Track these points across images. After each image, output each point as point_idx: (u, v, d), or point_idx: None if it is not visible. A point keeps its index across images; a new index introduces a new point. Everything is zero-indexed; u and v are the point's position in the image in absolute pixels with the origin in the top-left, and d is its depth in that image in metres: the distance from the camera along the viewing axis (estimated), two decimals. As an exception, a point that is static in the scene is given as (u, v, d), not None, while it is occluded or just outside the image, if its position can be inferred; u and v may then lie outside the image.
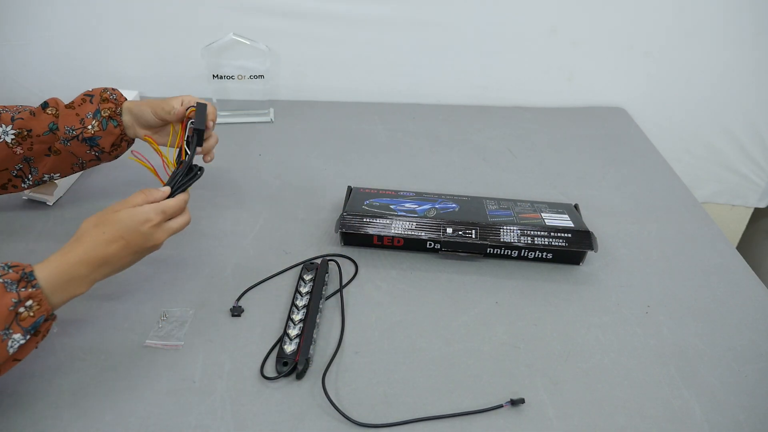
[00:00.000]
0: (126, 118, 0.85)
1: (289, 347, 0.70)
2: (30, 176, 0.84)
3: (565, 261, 0.87)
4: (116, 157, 0.88)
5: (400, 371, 0.70)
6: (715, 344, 0.76)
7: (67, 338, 0.71)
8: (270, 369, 0.69)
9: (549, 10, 1.24)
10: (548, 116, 1.32)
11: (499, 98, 1.36)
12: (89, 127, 0.82)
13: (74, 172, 0.87)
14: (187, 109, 0.81)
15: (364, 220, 0.86)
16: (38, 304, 0.59)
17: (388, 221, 0.86)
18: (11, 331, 0.57)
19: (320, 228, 0.92)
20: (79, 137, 0.82)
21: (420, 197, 0.93)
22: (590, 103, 1.37)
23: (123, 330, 0.73)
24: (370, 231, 0.86)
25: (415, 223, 0.86)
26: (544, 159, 1.16)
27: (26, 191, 0.93)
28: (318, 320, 0.75)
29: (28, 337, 0.58)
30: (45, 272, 0.60)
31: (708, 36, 1.27)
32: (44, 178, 0.85)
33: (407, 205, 0.91)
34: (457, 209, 0.90)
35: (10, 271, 0.59)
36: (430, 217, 0.87)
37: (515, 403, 0.66)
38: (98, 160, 0.86)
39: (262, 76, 1.20)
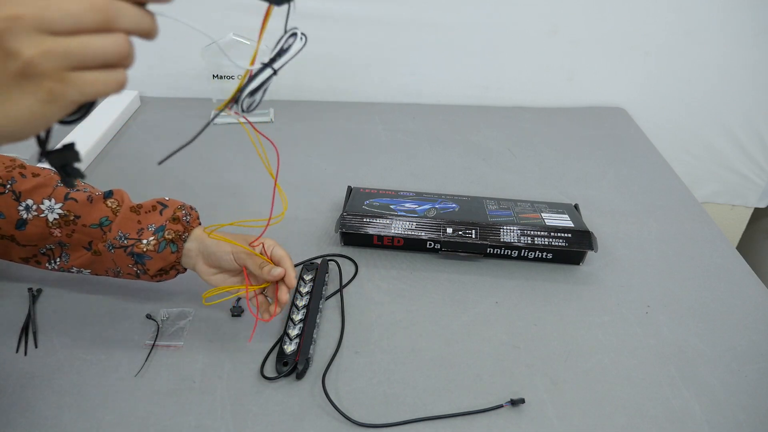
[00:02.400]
0: (191, 246, 0.71)
1: (289, 347, 0.70)
2: (58, 261, 0.72)
3: (565, 261, 0.87)
4: (157, 281, 0.74)
5: (400, 371, 0.70)
6: (715, 344, 0.76)
7: (67, 338, 0.71)
8: (270, 369, 0.69)
9: (549, 10, 1.25)
10: (548, 116, 1.32)
11: (499, 98, 1.36)
12: (144, 241, 0.69)
13: (107, 275, 0.74)
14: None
15: (364, 220, 0.86)
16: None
17: (388, 221, 0.86)
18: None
19: (320, 228, 0.92)
20: (127, 249, 0.69)
21: (420, 197, 0.93)
22: (590, 103, 1.37)
23: (123, 330, 0.73)
24: (370, 231, 0.86)
25: (415, 223, 0.86)
26: (544, 159, 1.16)
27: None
28: (318, 320, 0.75)
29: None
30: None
31: (708, 36, 1.27)
32: (72, 270, 0.73)
33: (407, 205, 0.91)
34: (457, 209, 0.90)
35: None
36: (430, 217, 0.87)
37: (515, 403, 0.66)
38: (137, 277, 0.73)
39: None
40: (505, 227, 0.86)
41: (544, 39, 1.28)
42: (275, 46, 0.51)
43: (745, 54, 1.28)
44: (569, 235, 0.85)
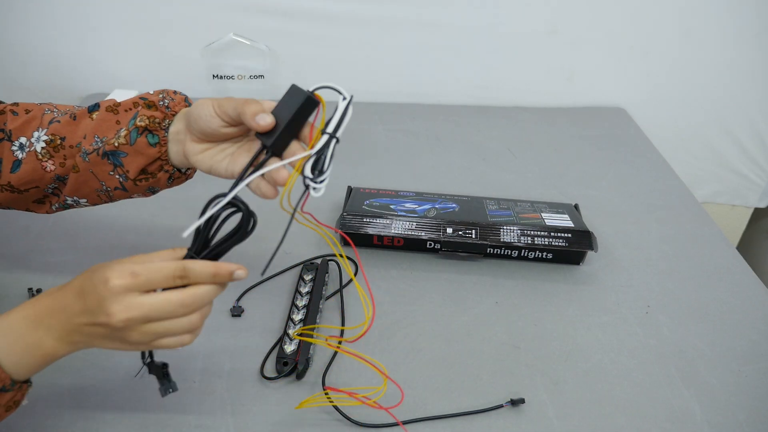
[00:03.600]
0: (175, 128, 0.60)
1: (289, 347, 0.70)
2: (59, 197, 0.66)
3: (565, 261, 0.87)
4: (148, 191, 0.64)
5: (400, 371, 0.70)
6: (715, 344, 0.76)
7: (67, 338, 0.71)
8: (270, 369, 0.69)
9: (549, 10, 1.24)
10: (548, 116, 1.32)
11: (499, 98, 1.36)
12: (115, 137, 0.60)
13: (102, 201, 0.66)
14: (310, 98, 0.53)
15: (364, 220, 0.86)
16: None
17: (388, 221, 0.86)
18: None
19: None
20: (100, 150, 0.60)
21: (420, 197, 0.93)
22: (590, 103, 1.37)
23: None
24: (370, 231, 0.86)
25: (415, 223, 0.86)
26: (544, 159, 1.16)
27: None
28: (318, 320, 0.75)
29: None
30: (4, 340, 0.47)
31: (708, 36, 1.27)
32: (68, 201, 0.66)
33: (407, 205, 0.91)
34: (457, 209, 0.90)
35: None
36: (430, 217, 0.87)
37: (515, 403, 0.66)
38: (124, 190, 0.63)
39: (262, 76, 1.20)
40: (505, 227, 0.86)
41: (544, 39, 1.28)
42: (334, 117, 0.55)
43: (745, 54, 1.28)
44: (569, 235, 0.85)
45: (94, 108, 0.64)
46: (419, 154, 1.15)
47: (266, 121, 0.54)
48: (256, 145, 0.58)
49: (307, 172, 0.52)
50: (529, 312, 0.79)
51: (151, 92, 0.63)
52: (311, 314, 0.74)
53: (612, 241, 0.92)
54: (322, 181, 0.53)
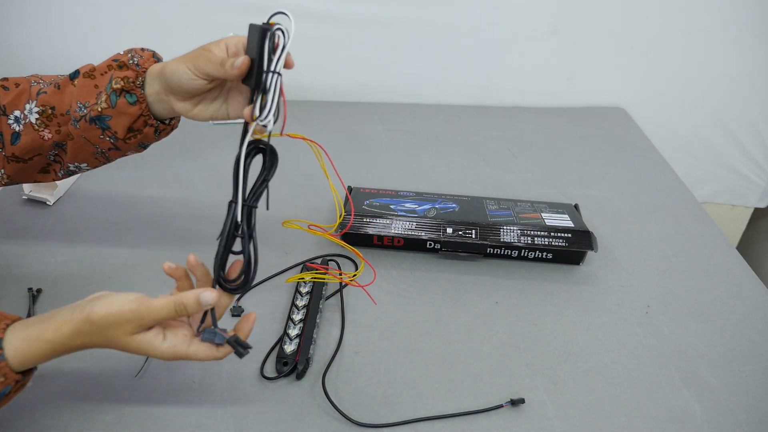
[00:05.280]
0: (153, 89, 0.63)
1: (289, 347, 0.70)
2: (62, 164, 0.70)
3: (565, 261, 0.87)
4: (139, 147, 0.68)
5: (400, 371, 0.70)
6: (715, 344, 0.76)
7: (67, 338, 0.71)
8: (270, 369, 0.69)
9: (549, 10, 1.24)
10: (548, 116, 1.32)
11: (499, 98, 1.36)
12: (97, 103, 0.63)
13: (101, 163, 0.71)
14: (264, 29, 0.53)
15: (364, 220, 0.86)
16: (3, 376, 0.51)
17: (388, 221, 0.86)
18: None
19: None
20: (87, 117, 0.64)
21: (420, 197, 0.93)
22: (590, 103, 1.37)
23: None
24: (370, 231, 0.86)
25: (415, 223, 0.86)
26: (544, 159, 1.16)
27: (26, 191, 0.93)
28: (318, 320, 0.75)
29: None
30: (16, 341, 0.52)
31: (708, 36, 1.27)
32: (71, 168, 0.70)
33: (407, 205, 0.91)
34: (457, 209, 0.90)
35: None
36: (430, 217, 0.87)
37: (515, 403, 0.66)
38: (118, 149, 0.67)
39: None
40: (505, 227, 0.86)
41: (543, 39, 1.28)
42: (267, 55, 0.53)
43: (745, 54, 1.28)
44: (569, 235, 0.85)
45: (74, 75, 0.67)
46: (419, 154, 1.15)
47: (240, 62, 0.56)
48: None
49: (256, 112, 0.53)
50: (529, 312, 0.79)
51: (122, 52, 0.66)
52: (311, 314, 0.74)
53: (612, 241, 0.92)
54: (266, 118, 0.54)
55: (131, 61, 0.64)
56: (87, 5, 1.19)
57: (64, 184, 0.96)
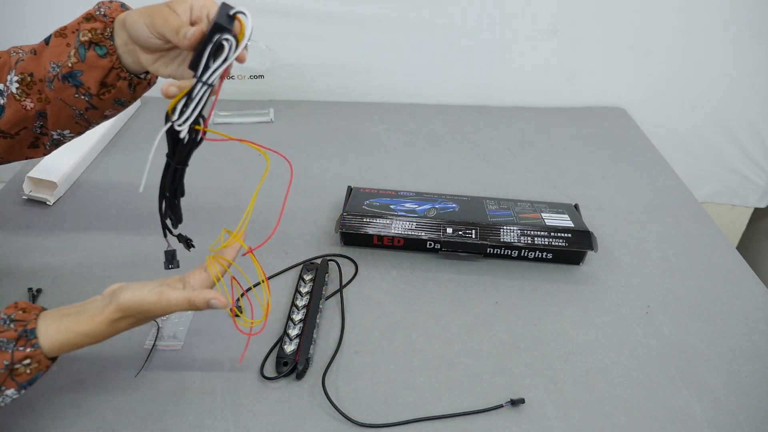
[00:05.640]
0: (121, 39, 0.60)
1: (289, 347, 0.70)
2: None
3: (565, 261, 0.87)
4: (117, 105, 0.66)
5: (400, 371, 0.70)
6: (715, 344, 0.76)
7: (67, 338, 0.71)
8: (270, 369, 0.69)
9: (549, 10, 1.24)
10: (548, 116, 1.32)
11: (499, 98, 1.36)
12: (68, 59, 0.61)
13: (82, 128, 0.69)
14: (219, 22, 0.50)
15: (364, 220, 0.86)
16: (37, 363, 0.54)
17: (388, 221, 0.86)
18: (4, 387, 0.53)
19: (320, 228, 0.92)
20: (59, 75, 0.62)
21: (420, 197, 0.93)
22: (590, 103, 1.37)
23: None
24: (370, 231, 0.86)
25: (415, 223, 0.86)
26: (544, 159, 1.16)
27: (26, 191, 0.93)
28: (318, 320, 0.75)
29: (23, 391, 0.55)
30: (50, 332, 0.55)
31: (708, 36, 1.27)
32: (54, 136, 0.69)
33: (407, 205, 0.91)
34: (457, 209, 0.90)
35: (11, 326, 0.54)
36: (430, 217, 0.87)
37: (515, 403, 0.66)
38: (95, 108, 0.64)
39: (262, 76, 1.20)
40: (505, 227, 0.86)
41: (543, 39, 1.28)
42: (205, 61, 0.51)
43: (745, 54, 1.28)
44: (569, 235, 0.85)
45: (48, 39, 0.65)
46: (419, 154, 1.15)
47: (191, 33, 0.53)
48: None
49: (176, 114, 0.51)
50: (529, 312, 0.79)
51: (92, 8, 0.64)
52: (311, 314, 0.74)
53: (612, 241, 0.92)
54: (181, 123, 0.52)
55: (98, 12, 0.62)
56: (86, 5, 1.19)
57: (64, 184, 0.96)
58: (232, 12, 0.50)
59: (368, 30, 1.25)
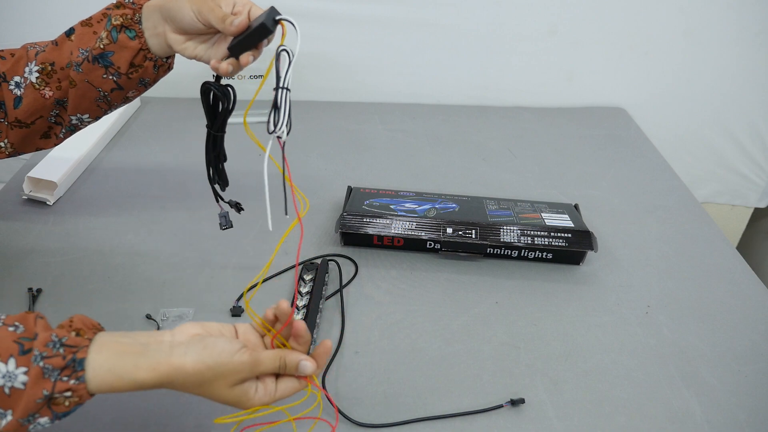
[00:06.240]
0: (151, 23, 0.65)
1: (289, 347, 0.70)
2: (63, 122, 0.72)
3: (565, 261, 0.87)
4: (141, 85, 0.70)
5: (400, 371, 0.70)
6: (715, 344, 0.76)
7: (67, 338, 0.71)
8: (270, 369, 0.69)
9: (549, 10, 1.24)
10: (548, 116, 1.32)
11: (499, 98, 1.36)
12: (98, 42, 0.66)
13: (102, 111, 0.72)
14: (266, 24, 0.57)
15: (364, 220, 0.86)
16: (78, 397, 0.48)
17: (388, 221, 0.86)
18: (38, 415, 0.47)
19: (320, 228, 0.92)
20: (89, 57, 0.66)
21: (420, 197, 0.93)
22: (590, 103, 1.37)
23: (123, 330, 0.73)
24: (370, 231, 0.86)
25: (415, 223, 0.86)
26: (544, 159, 1.16)
27: (26, 191, 0.93)
28: (318, 320, 0.75)
29: (56, 421, 0.48)
30: (102, 372, 0.48)
31: (708, 36, 1.27)
32: (73, 121, 0.72)
33: (407, 205, 0.91)
34: (457, 209, 0.90)
35: (60, 350, 0.47)
36: (430, 217, 0.87)
37: (515, 403, 0.66)
38: (120, 89, 0.69)
39: (262, 77, 1.20)
40: (505, 227, 0.86)
41: (543, 39, 1.28)
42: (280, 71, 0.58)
43: (745, 54, 1.28)
44: (569, 235, 0.85)
45: (70, 32, 0.70)
46: (419, 154, 1.15)
47: (239, 22, 0.60)
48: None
49: (270, 126, 0.59)
50: (529, 312, 0.79)
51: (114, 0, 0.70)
52: (311, 314, 0.74)
53: (612, 241, 0.92)
54: (281, 130, 0.59)
55: (128, 0, 0.68)
56: (86, 6, 1.19)
57: (64, 184, 0.96)
58: (277, 17, 0.58)
59: (368, 30, 1.25)
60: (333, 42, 1.26)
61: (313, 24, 1.24)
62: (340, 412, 0.64)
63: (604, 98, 1.37)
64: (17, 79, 0.70)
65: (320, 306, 0.76)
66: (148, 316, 0.74)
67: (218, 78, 0.65)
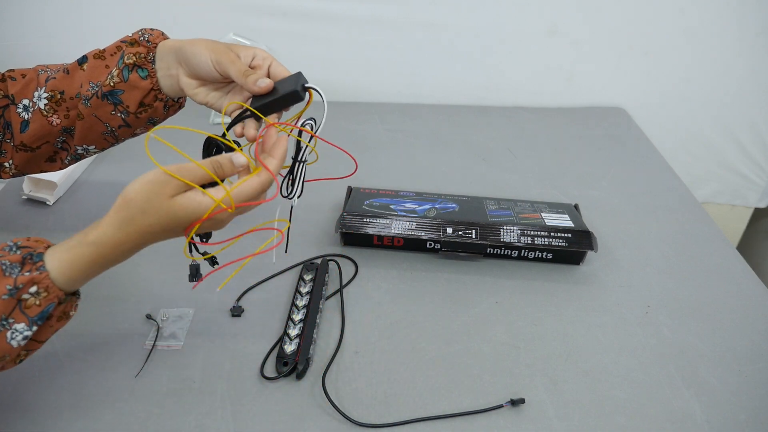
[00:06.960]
0: (165, 63, 0.65)
1: (289, 347, 0.70)
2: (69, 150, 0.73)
3: (565, 261, 0.87)
4: (149, 124, 0.70)
5: (400, 371, 0.70)
6: (715, 344, 0.76)
7: (67, 338, 0.71)
8: (270, 369, 0.69)
9: (549, 10, 1.25)
10: (548, 116, 1.32)
11: (499, 98, 1.36)
12: (109, 79, 0.66)
13: (109, 144, 0.72)
14: (298, 91, 0.57)
15: (364, 220, 0.86)
16: (46, 291, 0.50)
17: (388, 221, 0.86)
18: (12, 320, 0.49)
19: (320, 228, 0.92)
20: (99, 93, 0.66)
21: (420, 197, 0.93)
22: (590, 103, 1.37)
23: (123, 330, 0.73)
24: (370, 231, 0.86)
25: (415, 223, 0.86)
26: (544, 159, 1.16)
27: (26, 191, 0.93)
28: (318, 320, 0.75)
29: (35, 327, 0.51)
30: (60, 255, 0.51)
31: (708, 36, 1.27)
32: (78, 151, 0.72)
33: (407, 205, 0.91)
34: (457, 209, 0.90)
35: (17, 252, 0.50)
36: (430, 217, 0.87)
37: (515, 403, 0.66)
38: (128, 126, 0.68)
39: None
40: (505, 227, 0.86)
41: (543, 39, 1.28)
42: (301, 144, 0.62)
43: (746, 54, 1.28)
44: (569, 235, 0.85)
45: (83, 60, 0.69)
46: (419, 154, 1.15)
47: (265, 83, 0.60)
48: None
49: (283, 191, 0.63)
50: (529, 312, 0.79)
51: (130, 34, 0.69)
52: (311, 314, 0.74)
53: (612, 241, 0.92)
54: (293, 197, 0.64)
55: (142, 38, 0.67)
56: (87, 5, 1.19)
57: (64, 184, 0.96)
58: (306, 84, 0.59)
59: (368, 30, 1.25)
60: (333, 42, 1.26)
61: (313, 24, 1.24)
62: (340, 412, 0.64)
63: (604, 98, 1.37)
64: (26, 102, 0.69)
65: (320, 306, 0.76)
66: (148, 316, 0.74)
67: (223, 134, 0.61)
